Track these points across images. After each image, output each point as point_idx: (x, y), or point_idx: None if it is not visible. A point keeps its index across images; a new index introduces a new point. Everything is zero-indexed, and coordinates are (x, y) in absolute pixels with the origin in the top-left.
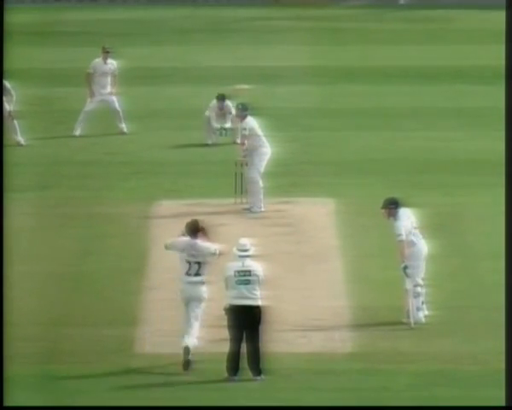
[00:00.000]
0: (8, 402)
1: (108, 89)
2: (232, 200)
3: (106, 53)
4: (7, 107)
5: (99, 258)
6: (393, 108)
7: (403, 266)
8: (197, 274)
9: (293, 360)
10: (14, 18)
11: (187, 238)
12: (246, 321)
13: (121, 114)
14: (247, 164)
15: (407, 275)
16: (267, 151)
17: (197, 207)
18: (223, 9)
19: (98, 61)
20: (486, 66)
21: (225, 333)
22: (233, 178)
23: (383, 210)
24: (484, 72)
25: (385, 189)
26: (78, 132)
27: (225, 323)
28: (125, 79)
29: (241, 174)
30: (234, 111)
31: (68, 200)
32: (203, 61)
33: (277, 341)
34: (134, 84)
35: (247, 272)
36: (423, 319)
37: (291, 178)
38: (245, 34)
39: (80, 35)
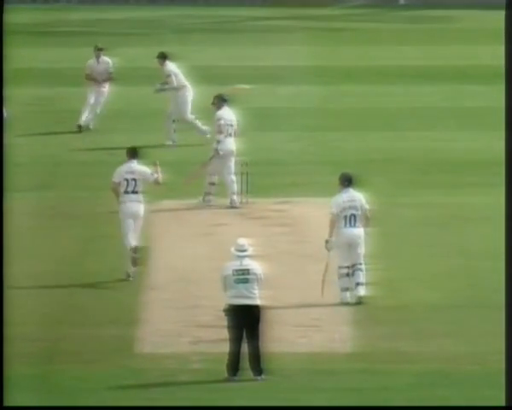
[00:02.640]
0: (8, 402)
1: (105, 87)
2: None
3: (98, 51)
4: None
5: (99, 258)
6: (393, 108)
7: (325, 239)
8: (134, 192)
9: (293, 360)
10: (14, 18)
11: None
12: (245, 321)
13: (99, 111)
14: (247, 164)
15: (327, 249)
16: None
17: (197, 207)
18: (223, 9)
19: (91, 61)
20: (486, 66)
21: (225, 333)
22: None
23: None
24: (484, 72)
25: (385, 189)
26: (83, 124)
27: (225, 323)
28: (125, 78)
29: (241, 174)
30: (173, 76)
31: (68, 200)
32: (203, 61)
33: (277, 341)
34: (134, 84)
35: (246, 271)
36: (349, 299)
37: (291, 178)
38: (245, 34)
39: (80, 35)
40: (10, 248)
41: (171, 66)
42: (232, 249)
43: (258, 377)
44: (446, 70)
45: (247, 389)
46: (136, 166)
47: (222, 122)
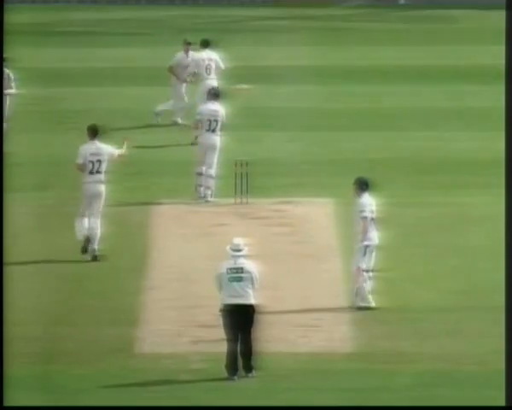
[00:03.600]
0: (8, 402)
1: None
2: (232, 200)
3: (187, 45)
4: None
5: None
6: (393, 108)
7: (365, 244)
8: (98, 172)
9: (293, 360)
10: (14, 18)
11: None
12: (240, 320)
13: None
14: (246, 164)
15: (365, 253)
16: None
17: (197, 207)
18: (223, 9)
19: (180, 54)
20: (486, 66)
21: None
22: (233, 179)
23: (353, 186)
24: (484, 72)
25: (384, 189)
26: (180, 121)
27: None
28: (126, 78)
29: (241, 174)
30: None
31: (68, 200)
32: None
33: (277, 341)
34: (134, 84)
35: (240, 270)
36: (373, 303)
37: (291, 178)
38: (245, 34)
39: (81, 35)
40: (10, 248)
41: (195, 56)
42: (227, 248)
43: (249, 374)
44: (446, 70)
45: (246, 389)
46: (100, 146)
47: (198, 117)
